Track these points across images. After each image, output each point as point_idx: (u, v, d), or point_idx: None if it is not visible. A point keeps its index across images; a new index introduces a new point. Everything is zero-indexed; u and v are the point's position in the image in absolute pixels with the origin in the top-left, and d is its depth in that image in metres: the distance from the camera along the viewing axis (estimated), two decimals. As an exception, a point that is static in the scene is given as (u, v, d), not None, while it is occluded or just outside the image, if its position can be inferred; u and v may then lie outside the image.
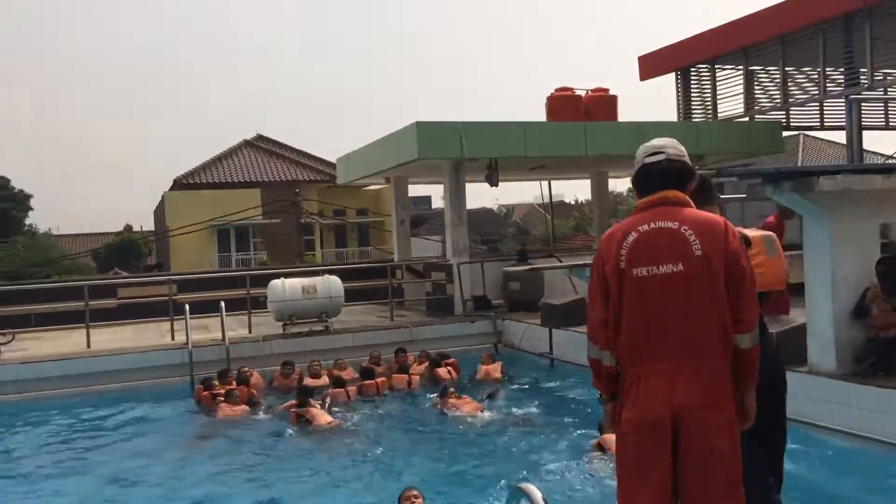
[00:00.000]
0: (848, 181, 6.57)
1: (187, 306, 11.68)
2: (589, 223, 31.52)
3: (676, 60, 17.10)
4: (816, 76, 15.11)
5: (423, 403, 9.43)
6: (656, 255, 2.89)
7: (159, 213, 37.89)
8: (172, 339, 12.03)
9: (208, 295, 13.78)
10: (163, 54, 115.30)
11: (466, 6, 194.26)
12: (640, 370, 2.90)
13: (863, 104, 15.18)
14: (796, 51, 14.99)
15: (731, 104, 16.69)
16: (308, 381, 10.33)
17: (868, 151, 22.34)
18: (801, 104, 16.18)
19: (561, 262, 14.93)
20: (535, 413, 8.76)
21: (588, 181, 19.22)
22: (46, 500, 6.76)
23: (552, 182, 21.49)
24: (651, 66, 17.84)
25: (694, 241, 2.88)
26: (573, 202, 53.25)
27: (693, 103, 17.22)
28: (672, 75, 17.41)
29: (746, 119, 16.37)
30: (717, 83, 16.91)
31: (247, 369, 10.59)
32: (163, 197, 36.13)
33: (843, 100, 14.45)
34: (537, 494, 3.06)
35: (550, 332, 11.48)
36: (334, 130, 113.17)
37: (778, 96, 15.95)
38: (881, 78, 14.91)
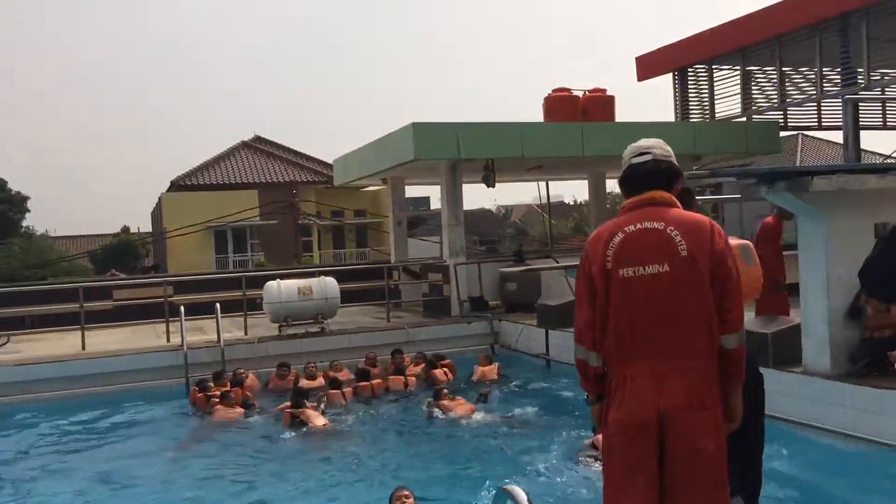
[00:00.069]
0: (842, 181, 6.55)
1: (182, 308, 11.65)
2: (587, 224, 31.52)
3: (674, 61, 17.09)
4: (813, 76, 15.10)
5: (418, 405, 9.40)
6: (642, 256, 2.88)
7: (156, 214, 37.85)
8: (168, 340, 12.01)
9: (204, 297, 13.75)
10: (161, 55, 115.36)
11: (465, 7, 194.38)
12: (626, 371, 2.89)
13: (860, 104, 15.18)
14: (793, 51, 14.98)
15: (728, 104, 16.69)
16: (304, 383, 10.31)
17: (866, 151, 22.34)
18: (799, 104, 16.17)
19: (558, 262, 14.91)
20: (530, 414, 8.74)
21: (586, 182, 19.22)
22: (40, 501, 6.73)
23: (551, 183, 21.49)
24: (648, 66, 17.83)
25: (680, 241, 2.86)
26: (572, 203, 53.23)
27: (690, 103, 17.22)
28: (669, 76, 17.41)
29: (744, 119, 16.35)
30: (715, 83, 16.91)
31: (242, 371, 10.58)
32: (160, 198, 36.10)
33: (839, 100, 14.44)
34: (522, 496, 3.04)
35: (547, 332, 11.46)
36: (332, 131, 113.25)
37: (775, 96, 15.95)
38: (878, 78, 14.89)
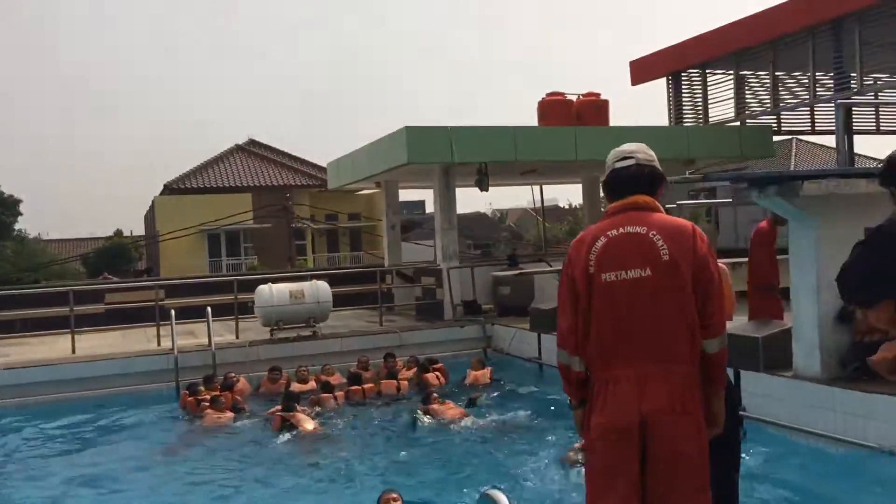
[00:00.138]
0: (832, 185, 6.55)
1: (173, 312, 11.60)
2: (582, 228, 31.52)
3: (668, 65, 17.13)
4: (807, 81, 15.13)
5: (408, 409, 9.37)
6: (625, 260, 2.87)
7: (150, 217, 37.78)
8: (158, 344, 11.95)
9: (196, 300, 13.70)
10: (156, 59, 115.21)
11: (460, 12, 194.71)
12: (608, 375, 2.88)
13: (854, 109, 15.22)
14: (787, 55, 15.02)
15: (722, 108, 16.74)
16: (295, 387, 10.26)
17: (860, 156, 22.39)
18: (792, 109, 16.21)
19: (551, 266, 14.89)
20: (522, 417, 8.71)
21: (581, 185, 19.21)
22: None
23: (547, 186, 21.48)
24: (642, 70, 17.87)
25: (662, 245, 2.86)
26: (567, 206, 53.30)
27: (684, 107, 17.25)
28: (663, 80, 17.44)
29: (737, 123, 16.39)
30: (708, 87, 16.95)
31: (233, 375, 10.52)
32: (153, 201, 36.04)
33: (833, 104, 14.47)
34: (504, 501, 3.02)
35: (539, 336, 11.44)
36: (327, 135, 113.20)
37: (768, 101, 15.98)
38: (871, 82, 14.93)
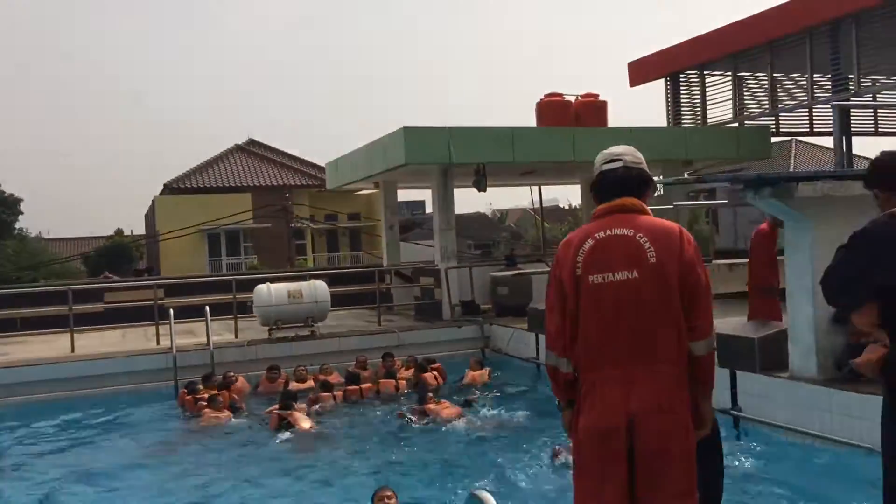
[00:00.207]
0: (827, 187, 6.57)
1: (171, 311, 11.63)
2: (581, 228, 31.46)
3: (666, 66, 17.14)
4: (805, 82, 15.15)
5: (405, 408, 9.39)
6: (611, 262, 2.89)
7: (150, 217, 37.81)
8: (157, 343, 11.99)
9: (195, 300, 13.73)
10: (156, 58, 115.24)
11: (460, 12, 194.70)
12: (596, 377, 2.89)
13: (853, 110, 15.24)
14: (784, 57, 15.03)
15: (720, 110, 16.75)
16: (294, 386, 10.29)
17: (859, 157, 22.44)
18: (790, 110, 16.23)
19: (549, 267, 14.90)
20: (519, 417, 8.73)
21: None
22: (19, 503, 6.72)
23: (547, 187, 21.48)
24: (641, 71, 17.88)
25: (649, 248, 2.87)
26: (567, 207, 53.27)
27: (682, 109, 17.27)
28: (661, 81, 17.45)
29: (736, 125, 16.41)
30: (707, 89, 16.96)
31: (232, 374, 10.56)
32: (153, 201, 36.06)
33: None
34: (491, 501, 3.04)
35: (537, 336, 11.45)
36: (326, 135, 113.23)
37: (767, 102, 16.00)
38: (869, 84, 14.95)
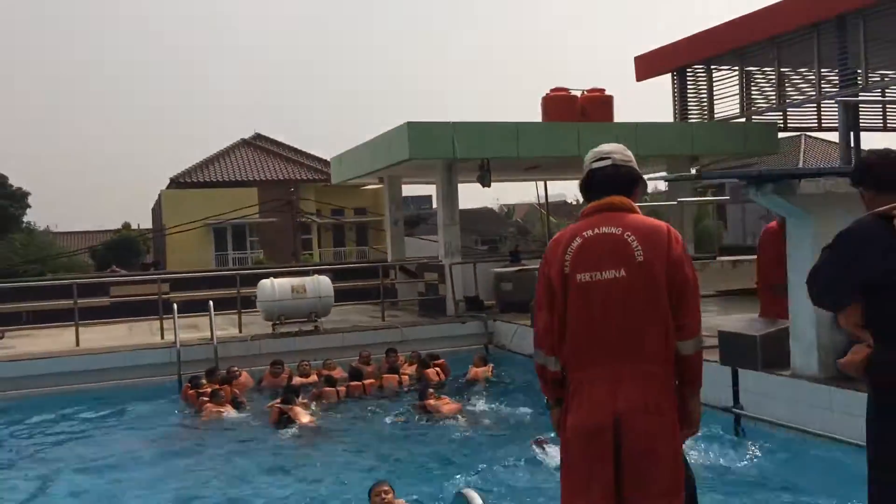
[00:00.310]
0: (829, 184, 6.52)
1: (175, 305, 11.67)
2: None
3: (673, 61, 17.06)
4: (813, 77, 15.06)
5: (407, 404, 9.41)
6: (599, 261, 2.88)
7: (157, 211, 37.92)
8: (162, 337, 12.02)
9: (200, 294, 13.77)
10: (162, 53, 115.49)
11: (465, 6, 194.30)
12: (583, 375, 2.89)
13: (861, 106, 15.13)
14: (792, 52, 14.94)
15: (727, 105, 16.66)
16: (297, 381, 10.32)
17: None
18: (797, 105, 16.13)
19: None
20: (520, 414, 8.72)
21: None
22: (19, 495, 6.75)
23: (554, 182, 21.46)
24: (647, 66, 17.80)
25: (636, 246, 2.86)
26: (575, 202, 53.15)
27: (689, 104, 17.18)
28: (668, 76, 17.38)
29: (743, 120, 16.32)
30: (714, 84, 16.88)
31: (236, 369, 10.59)
32: (160, 195, 36.16)
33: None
34: (478, 501, 3.04)
35: (540, 333, 11.42)
36: (333, 129, 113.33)
37: (774, 97, 15.90)
38: (877, 79, 14.85)
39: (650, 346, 2.83)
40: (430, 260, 16.39)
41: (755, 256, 9.18)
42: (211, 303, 11.79)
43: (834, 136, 31.40)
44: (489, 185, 14.34)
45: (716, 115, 16.76)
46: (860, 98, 14.04)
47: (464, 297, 13.99)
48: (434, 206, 43.06)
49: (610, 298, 2.85)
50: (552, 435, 6.20)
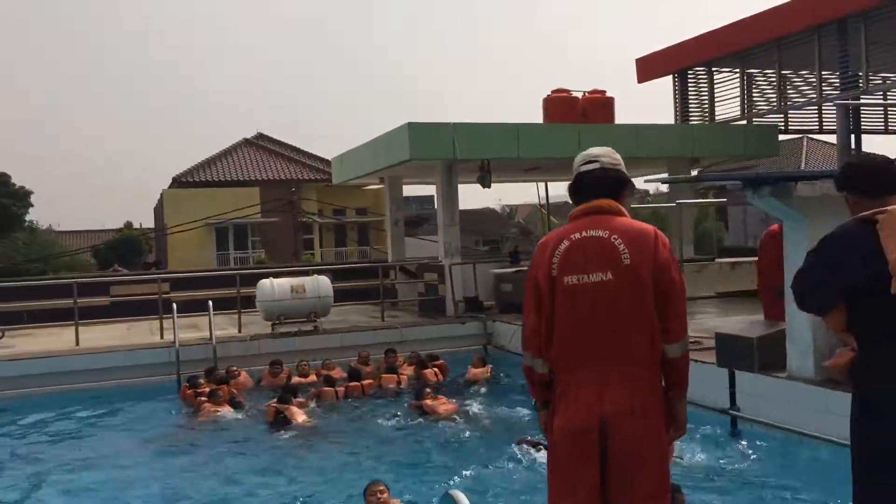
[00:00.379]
0: (826, 187, 6.52)
1: (175, 305, 11.70)
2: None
3: (674, 63, 17.07)
4: (814, 79, 15.06)
5: (404, 404, 9.43)
6: (586, 264, 2.89)
7: (159, 210, 37.99)
8: (161, 337, 12.05)
9: (200, 293, 13.79)
10: (163, 53, 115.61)
11: (465, 6, 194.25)
12: (570, 378, 2.90)
13: (862, 108, 15.13)
14: (793, 54, 14.94)
15: (728, 107, 16.67)
16: (296, 381, 10.34)
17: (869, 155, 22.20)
18: (799, 108, 16.13)
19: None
20: (518, 414, 8.73)
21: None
22: (16, 495, 6.78)
23: (556, 183, 21.42)
24: (649, 68, 17.81)
25: (623, 250, 2.88)
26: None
27: (690, 106, 17.19)
28: (669, 78, 17.38)
29: (744, 122, 16.32)
30: (715, 86, 16.88)
31: (235, 369, 10.62)
32: (162, 194, 36.22)
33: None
34: (465, 502, 3.05)
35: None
36: (335, 129, 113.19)
37: (775, 99, 15.90)
38: (879, 81, 14.84)
39: (637, 348, 2.84)
40: (430, 260, 16.41)
41: (754, 258, 9.19)
42: (210, 302, 11.82)
43: (835, 139, 31.46)
44: (489, 186, 14.36)
45: (717, 117, 16.76)
46: (860, 101, 14.04)
47: (463, 298, 14.01)
48: (437, 206, 43.20)
49: (597, 301, 2.86)
50: (539, 435, 6.22)
